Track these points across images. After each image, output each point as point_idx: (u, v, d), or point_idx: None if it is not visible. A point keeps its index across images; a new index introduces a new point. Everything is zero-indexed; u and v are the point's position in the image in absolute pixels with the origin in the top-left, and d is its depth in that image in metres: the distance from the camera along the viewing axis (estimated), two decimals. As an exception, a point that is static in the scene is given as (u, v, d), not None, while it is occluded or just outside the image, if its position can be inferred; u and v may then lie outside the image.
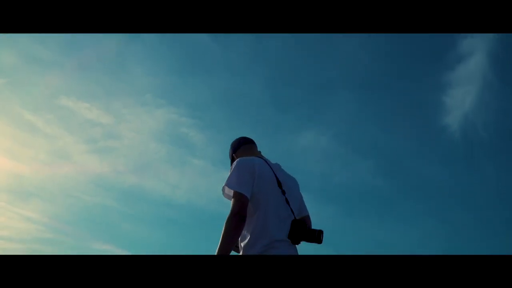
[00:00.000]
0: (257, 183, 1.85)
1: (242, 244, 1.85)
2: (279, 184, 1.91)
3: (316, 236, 1.86)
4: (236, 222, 1.74)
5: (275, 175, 1.93)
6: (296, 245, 1.90)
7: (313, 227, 2.04)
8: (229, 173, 1.90)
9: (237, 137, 2.24)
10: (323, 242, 1.87)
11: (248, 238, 1.82)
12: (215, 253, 1.70)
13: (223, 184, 1.88)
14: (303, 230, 1.86)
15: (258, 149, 2.20)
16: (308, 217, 2.06)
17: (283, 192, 1.90)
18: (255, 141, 2.23)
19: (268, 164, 1.97)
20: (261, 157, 2.05)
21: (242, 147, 2.16)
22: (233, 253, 1.88)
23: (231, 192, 1.83)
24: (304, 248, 1.93)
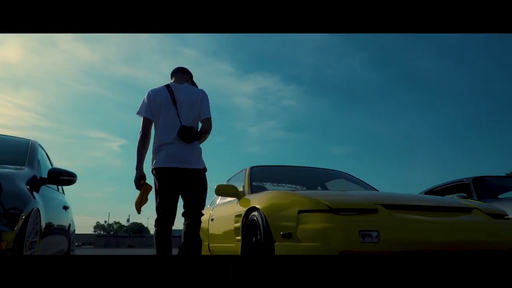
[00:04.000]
0: (153, 106, 2.69)
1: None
2: (175, 102, 2.65)
3: (192, 135, 2.58)
4: (140, 137, 2.69)
5: (171, 96, 2.66)
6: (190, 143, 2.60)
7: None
8: None
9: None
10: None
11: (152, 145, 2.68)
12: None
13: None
14: (185, 132, 2.57)
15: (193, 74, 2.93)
16: (206, 119, 2.71)
17: (176, 108, 2.63)
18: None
19: (170, 88, 2.71)
20: (171, 84, 2.76)
21: (174, 75, 2.88)
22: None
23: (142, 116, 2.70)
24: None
